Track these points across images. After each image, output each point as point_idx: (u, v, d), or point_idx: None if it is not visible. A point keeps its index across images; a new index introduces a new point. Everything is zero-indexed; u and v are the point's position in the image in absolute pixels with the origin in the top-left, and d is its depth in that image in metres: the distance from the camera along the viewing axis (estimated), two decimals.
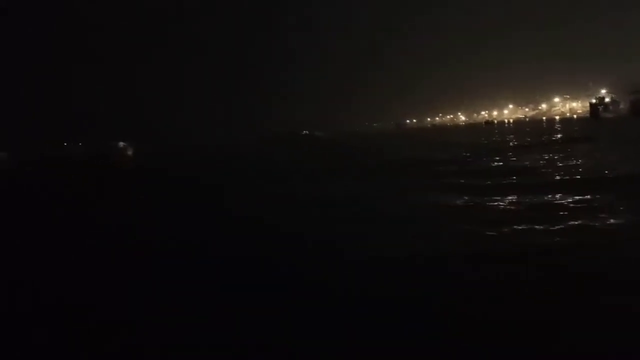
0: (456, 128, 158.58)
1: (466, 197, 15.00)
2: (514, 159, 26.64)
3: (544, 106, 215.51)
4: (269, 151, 74.04)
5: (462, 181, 18.58)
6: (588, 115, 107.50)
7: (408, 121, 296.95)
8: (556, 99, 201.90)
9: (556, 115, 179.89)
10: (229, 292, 7.66)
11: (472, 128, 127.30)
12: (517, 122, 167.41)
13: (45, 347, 6.31)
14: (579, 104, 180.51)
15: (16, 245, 13.08)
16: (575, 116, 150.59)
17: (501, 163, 24.93)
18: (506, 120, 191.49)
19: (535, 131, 63.62)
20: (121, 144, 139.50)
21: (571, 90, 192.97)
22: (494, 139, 54.07)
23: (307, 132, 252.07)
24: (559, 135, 47.13)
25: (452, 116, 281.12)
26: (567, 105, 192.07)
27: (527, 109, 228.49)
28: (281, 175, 29.58)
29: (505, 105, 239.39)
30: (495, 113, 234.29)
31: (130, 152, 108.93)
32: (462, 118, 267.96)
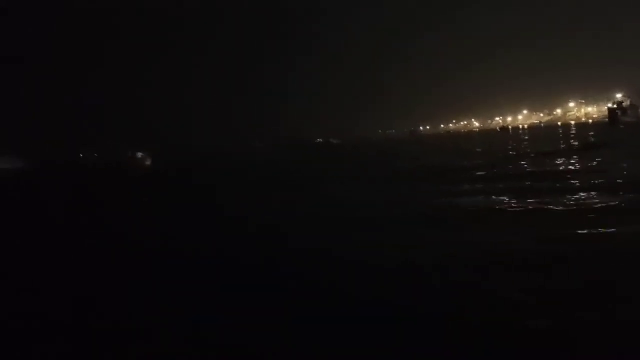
0: (470, 135, 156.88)
1: (481, 199, 14.75)
2: (534, 165, 25.70)
3: (559, 111, 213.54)
4: (282, 157, 73.78)
5: (480, 186, 18.12)
6: (605, 120, 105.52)
7: (422, 128, 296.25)
8: (571, 104, 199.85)
9: (572, 120, 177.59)
10: (229, 292, 7.52)
11: (486, 134, 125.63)
12: (532, 128, 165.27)
13: (45, 347, 6.16)
14: (595, 109, 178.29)
15: (20, 247, 13.07)
16: (591, 121, 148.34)
17: (520, 170, 24.22)
18: (520, 126, 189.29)
19: (552, 137, 62.24)
20: (139, 154, 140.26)
21: (586, 95, 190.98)
22: (513, 144, 52.67)
23: (321, 140, 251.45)
24: (576, 142, 46.05)
25: (465, 123, 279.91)
26: (583, 111, 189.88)
27: (542, 115, 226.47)
28: (295, 181, 29.36)
29: (519, 111, 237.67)
30: (509, 119, 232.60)
31: (149, 163, 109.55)
32: (476, 124, 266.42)
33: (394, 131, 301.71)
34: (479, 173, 23.59)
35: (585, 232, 9.52)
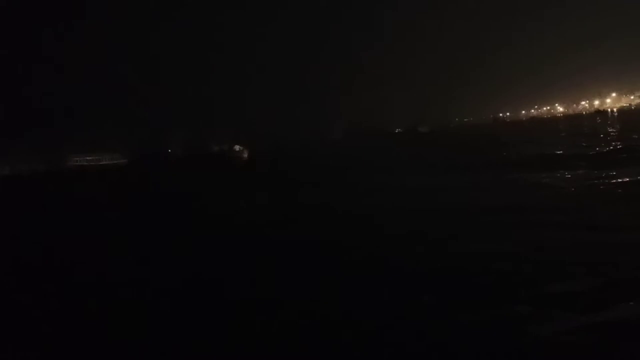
0: (555, 120, 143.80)
1: None
2: None
3: None
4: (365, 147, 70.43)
5: None
6: None
7: (501, 114, 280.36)
8: None
9: None
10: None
11: (574, 119, 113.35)
12: (622, 111, 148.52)
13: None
14: None
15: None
16: None
17: None
18: (609, 110, 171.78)
19: None
20: (237, 147, 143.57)
21: None
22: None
23: (400, 129, 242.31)
24: None
25: (548, 107, 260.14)
26: None
27: (632, 97, 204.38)
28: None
29: (607, 94, 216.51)
30: (596, 102, 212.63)
31: (245, 155, 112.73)
32: (560, 109, 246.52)
33: (471, 118, 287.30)
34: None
35: None
